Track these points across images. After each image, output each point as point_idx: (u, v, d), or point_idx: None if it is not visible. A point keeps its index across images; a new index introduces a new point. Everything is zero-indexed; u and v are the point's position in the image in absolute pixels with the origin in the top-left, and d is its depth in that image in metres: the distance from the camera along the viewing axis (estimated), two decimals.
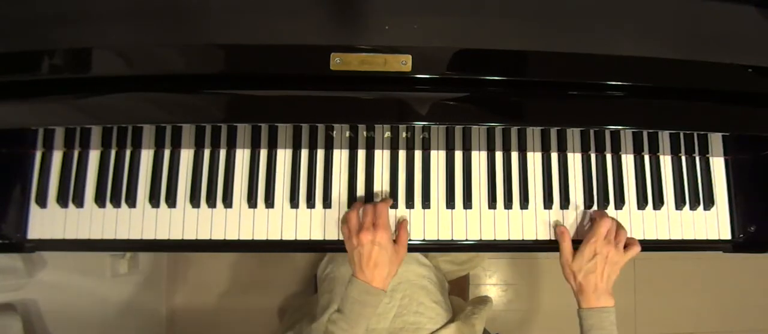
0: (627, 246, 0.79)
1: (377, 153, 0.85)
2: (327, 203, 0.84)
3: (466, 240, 0.84)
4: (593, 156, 0.87)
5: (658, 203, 0.86)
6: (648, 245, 0.86)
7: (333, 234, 0.83)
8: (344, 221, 0.79)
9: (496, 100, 0.73)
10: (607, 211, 0.85)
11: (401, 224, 0.82)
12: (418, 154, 0.85)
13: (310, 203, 0.83)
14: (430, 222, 0.84)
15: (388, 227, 0.76)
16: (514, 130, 0.84)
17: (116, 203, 0.83)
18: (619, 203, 0.85)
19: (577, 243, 0.79)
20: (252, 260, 1.71)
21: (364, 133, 0.84)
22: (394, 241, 0.78)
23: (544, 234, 0.84)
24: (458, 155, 0.86)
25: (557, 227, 0.83)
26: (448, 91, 0.71)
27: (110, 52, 0.69)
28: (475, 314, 0.94)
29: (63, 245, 0.84)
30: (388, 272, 0.75)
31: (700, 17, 0.75)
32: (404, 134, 0.84)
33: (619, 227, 0.80)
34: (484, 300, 1.00)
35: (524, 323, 1.71)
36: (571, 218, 0.85)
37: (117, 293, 1.36)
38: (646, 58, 0.71)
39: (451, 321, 0.92)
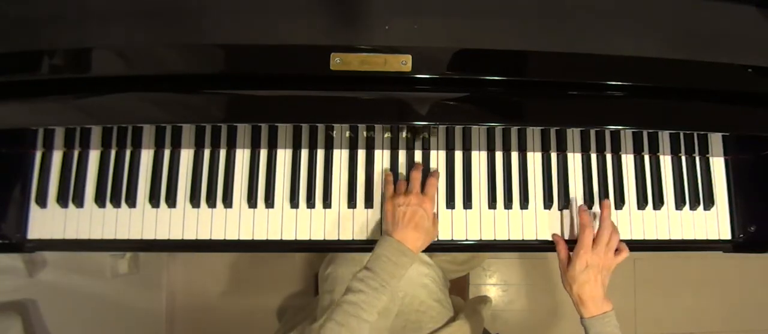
0: (617, 250, 0.79)
1: (377, 153, 0.85)
2: (327, 203, 0.83)
3: (466, 240, 0.84)
4: (593, 156, 0.87)
5: (658, 203, 0.86)
6: (648, 245, 0.86)
7: (333, 234, 0.83)
8: (390, 182, 0.80)
9: (496, 100, 0.73)
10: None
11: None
12: (418, 155, 0.85)
13: (310, 203, 0.83)
14: None
15: (434, 200, 0.78)
16: (514, 130, 0.84)
17: (116, 203, 0.83)
18: (619, 203, 0.85)
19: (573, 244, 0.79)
20: (252, 260, 1.71)
21: (364, 133, 0.84)
22: None
23: (545, 234, 0.84)
24: (458, 155, 0.85)
25: (554, 235, 0.83)
26: (448, 91, 0.71)
27: (110, 52, 0.69)
28: (476, 314, 0.94)
29: (63, 245, 0.84)
30: (423, 241, 0.75)
31: (700, 17, 0.75)
32: (404, 134, 0.84)
33: (613, 231, 0.79)
34: (484, 300, 1.00)
35: (524, 323, 1.71)
36: (571, 218, 0.85)
37: (117, 293, 1.36)
38: (646, 58, 0.71)
39: (451, 320, 0.92)
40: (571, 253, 0.80)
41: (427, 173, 0.84)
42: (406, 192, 0.78)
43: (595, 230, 0.79)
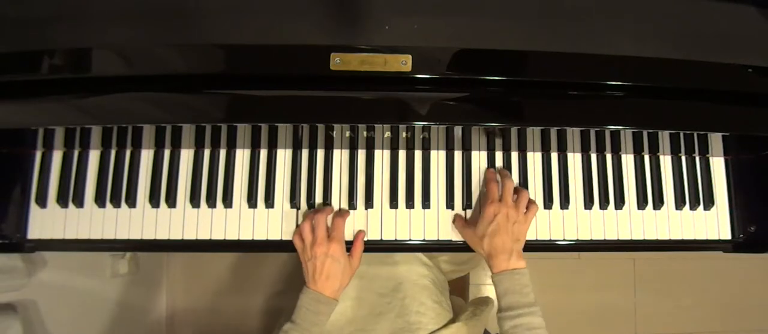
0: (527, 208, 0.79)
1: (377, 153, 0.85)
2: (327, 203, 0.83)
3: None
4: (593, 156, 0.86)
5: (658, 203, 0.86)
6: (648, 245, 0.86)
7: None
8: (298, 232, 0.79)
9: (496, 100, 0.73)
10: (607, 211, 0.85)
11: (358, 235, 0.82)
12: (418, 154, 0.85)
13: (310, 203, 0.83)
14: (430, 222, 0.84)
15: (342, 240, 0.78)
16: (514, 130, 0.84)
17: (116, 203, 0.83)
18: (619, 203, 0.85)
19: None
20: (252, 260, 1.71)
21: (364, 133, 0.84)
22: (349, 253, 0.79)
23: (544, 234, 0.84)
24: (458, 155, 0.85)
25: (453, 220, 0.83)
26: (448, 91, 0.71)
27: (110, 52, 0.69)
28: (476, 316, 0.93)
29: (63, 245, 0.84)
30: (340, 284, 0.77)
31: (700, 17, 0.75)
32: (404, 134, 0.84)
33: (518, 189, 0.80)
34: (485, 301, 1.00)
35: None
36: (571, 218, 0.85)
37: (117, 293, 1.36)
38: (646, 58, 0.71)
39: (452, 322, 0.92)
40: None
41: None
42: (312, 242, 0.76)
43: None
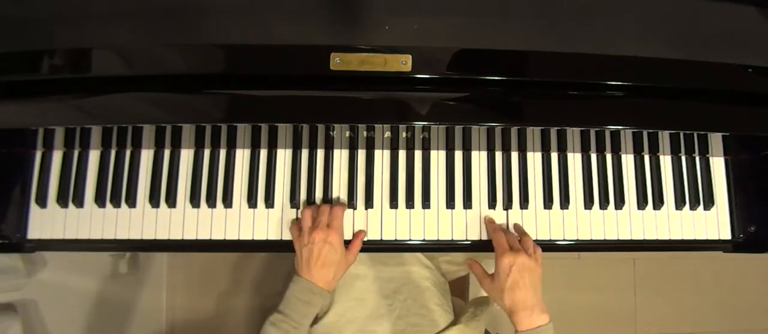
0: (534, 251, 0.76)
1: (377, 153, 0.85)
2: (327, 203, 0.83)
3: (466, 240, 0.84)
4: (593, 156, 0.87)
5: (658, 203, 0.86)
6: (648, 245, 0.86)
7: None
8: (297, 220, 0.79)
9: (496, 100, 0.73)
10: (607, 211, 0.85)
11: (358, 234, 0.82)
12: (418, 154, 0.85)
13: (310, 203, 0.83)
14: (430, 222, 0.84)
15: (341, 230, 0.77)
16: (514, 130, 0.84)
17: (116, 203, 0.83)
18: (619, 203, 0.85)
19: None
20: (252, 261, 1.71)
21: (364, 133, 0.84)
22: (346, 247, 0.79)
23: (544, 234, 0.84)
24: (458, 155, 0.85)
25: (466, 261, 0.80)
26: (448, 91, 0.71)
27: (110, 52, 0.69)
28: (477, 317, 0.93)
29: (63, 245, 0.84)
30: (334, 274, 0.75)
31: (700, 17, 0.75)
32: (404, 134, 0.84)
33: (522, 233, 0.79)
34: (485, 301, 0.99)
35: None
36: (571, 218, 0.85)
37: (117, 293, 1.36)
38: (646, 58, 0.71)
39: (453, 324, 0.92)
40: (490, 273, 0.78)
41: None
42: (312, 228, 0.75)
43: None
